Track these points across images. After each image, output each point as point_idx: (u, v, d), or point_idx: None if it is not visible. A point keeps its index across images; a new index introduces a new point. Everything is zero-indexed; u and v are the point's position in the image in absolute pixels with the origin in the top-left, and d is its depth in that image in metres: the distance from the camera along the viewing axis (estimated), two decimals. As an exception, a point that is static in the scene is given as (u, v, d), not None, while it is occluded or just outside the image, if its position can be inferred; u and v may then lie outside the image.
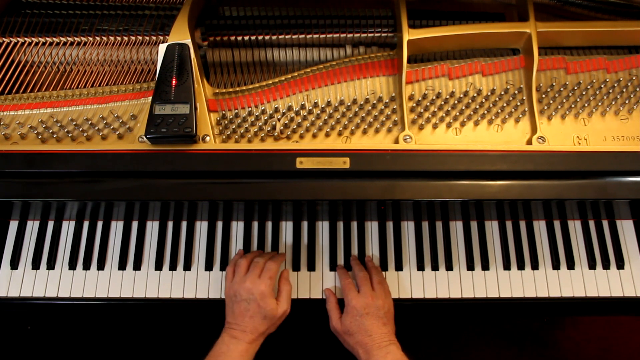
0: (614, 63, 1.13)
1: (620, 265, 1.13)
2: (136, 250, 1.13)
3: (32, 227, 1.16)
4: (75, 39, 1.14)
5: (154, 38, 1.14)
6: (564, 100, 1.10)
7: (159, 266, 1.12)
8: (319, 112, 1.08)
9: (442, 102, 1.09)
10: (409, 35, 1.08)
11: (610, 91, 1.11)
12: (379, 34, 1.15)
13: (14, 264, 1.12)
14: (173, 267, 1.12)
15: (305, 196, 1.01)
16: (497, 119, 1.08)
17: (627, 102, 1.10)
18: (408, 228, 1.17)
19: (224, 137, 1.05)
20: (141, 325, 1.58)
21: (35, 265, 1.12)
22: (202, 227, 1.16)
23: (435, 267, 1.13)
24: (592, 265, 1.13)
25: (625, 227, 1.17)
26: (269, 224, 1.17)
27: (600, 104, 1.10)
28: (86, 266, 1.12)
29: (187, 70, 1.03)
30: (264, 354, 1.03)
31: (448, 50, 1.15)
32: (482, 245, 1.15)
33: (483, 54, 1.15)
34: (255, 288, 1.00)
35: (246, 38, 1.14)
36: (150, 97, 1.01)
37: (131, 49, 1.14)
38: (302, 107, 1.08)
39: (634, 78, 1.12)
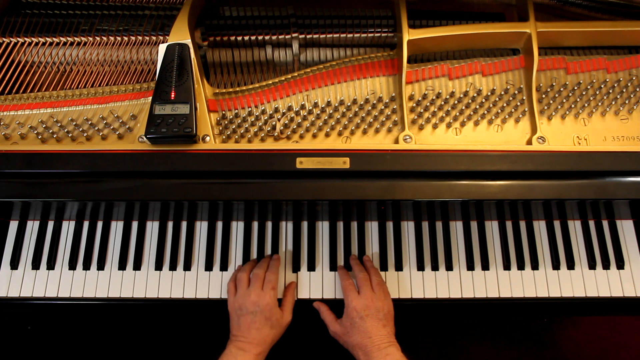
0: (614, 63, 1.13)
1: (620, 265, 1.13)
2: (136, 251, 1.13)
3: (32, 227, 1.16)
4: (75, 39, 1.14)
5: (154, 38, 1.14)
6: (564, 101, 1.10)
7: (159, 266, 1.12)
8: (319, 112, 1.08)
9: (442, 102, 1.09)
10: (409, 35, 1.08)
11: (610, 91, 1.11)
12: (379, 34, 1.15)
13: (14, 264, 1.12)
14: (173, 267, 1.12)
15: (305, 196, 1.01)
16: (497, 119, 1.08)
17: (627, 102, 1.10)
18: (408, 228, 1.16)
19: (224, 137, 1.05)
20: (141, 325, 1.58)
21: (35, 265, 1.12)
22: (202, 227, 1.16)
23: (435, 267, 1.13)
24: (592, 266, 1.13)
25: (625, 227, 1.17)
26: (269, 224, 1.17)
27: (600, 104, 1.10)
28: (86, 266, 1.12)
29: (187, 70, 1.03)
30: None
31: (448, 50, 1.15)
32: (482, 245, 1.15)
33: (483, 54, 1.15)
34: (261, 300, 1.02)
35: (246, 38, 1.14)
36: (150, 97, 1.01)
37: (131, 49, 1.14)
38: (302, 107, 1.08)
39: (634, 78, 1.12)
